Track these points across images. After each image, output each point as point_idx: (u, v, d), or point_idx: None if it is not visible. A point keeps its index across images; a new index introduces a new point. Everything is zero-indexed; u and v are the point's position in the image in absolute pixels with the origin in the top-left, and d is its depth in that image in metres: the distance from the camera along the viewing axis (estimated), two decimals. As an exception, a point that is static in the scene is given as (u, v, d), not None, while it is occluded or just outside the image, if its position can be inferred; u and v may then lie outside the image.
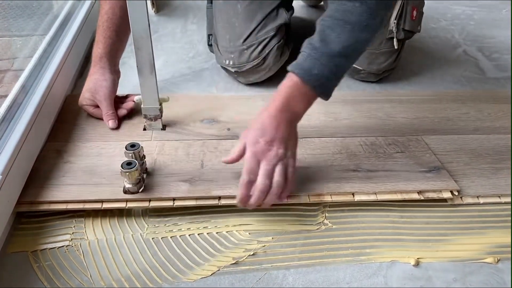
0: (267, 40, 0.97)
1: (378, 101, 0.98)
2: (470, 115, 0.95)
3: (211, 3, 1.05)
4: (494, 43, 1.30)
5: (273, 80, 1.04)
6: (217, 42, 1.02)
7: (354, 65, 0.98)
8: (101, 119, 0.85)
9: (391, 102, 0.97)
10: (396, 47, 0.99)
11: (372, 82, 1.07)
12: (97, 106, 0.86)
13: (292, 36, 1.07)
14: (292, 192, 0.70)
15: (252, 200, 0.64)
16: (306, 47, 0.67)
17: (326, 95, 0.68)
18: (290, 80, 0.67)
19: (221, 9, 1.01)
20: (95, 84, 0.84)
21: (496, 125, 0.93)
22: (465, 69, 1.16)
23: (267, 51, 0.97)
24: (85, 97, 0.85)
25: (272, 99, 0.68)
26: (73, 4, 1.16)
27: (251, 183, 0.63)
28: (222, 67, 1.04)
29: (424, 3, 1.02)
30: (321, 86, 0.67)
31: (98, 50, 0.85)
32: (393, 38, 0.99)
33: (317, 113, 0.92)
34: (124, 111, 0.87)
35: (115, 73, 0.87)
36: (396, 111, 0.94)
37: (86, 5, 1.16)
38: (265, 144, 0.64)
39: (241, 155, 0.66)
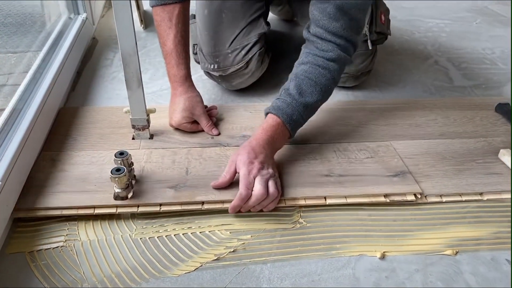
0: (250, 45, 1.04)
1: (351, 110, 1.05)
2: (437, 121, 1.03)
3: (195, 18, 1.12)
4: (463, 54, 1.39)
5: (254, 91, 1.12)
6: (202, 50, 1.09)
7: None
8: (171, 131, 0.95)
9: (363, 111, 1.04)
10: (370, 48, 1.07)
11: (347, 90, 1.14)
12: (194, 122, 0.94)
13: (270, 47, 1.14)
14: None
15: (250, 204, 0.74)
16: (286, 95, 0.84)
17: (290, 139, 0.86)
18: (275, 121, 0.82)
19: (206, 19, 1.07)
20: (191, 102, 0.92)
21: (460, 130, 1.00)
22: (435, 78, 1.24)
23: (250, 56, 1.04)
24: (183, 116, 0.92)
25: (260, 133, 0.81)
26: (65, 22, 1.22)
27: (247, 196, 0.73)
28: (206, 73, 1.11)
29: (389, 11, 1.12)
30: (295, 128, 0.84)
31: (182, 71, 0.92)
32: (367, 40, 1.07)
33: (295, 122, 0.99)
34: (214, 119, 0.98)
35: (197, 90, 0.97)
36: (368, 118, 1.01)
37: (78, 23, 1.22)
38: (258, 164, 0.76)
39: (233, 175, 0.77)
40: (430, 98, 1.13)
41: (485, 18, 1.67)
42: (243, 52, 1.04)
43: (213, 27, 1.06)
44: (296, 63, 0.88)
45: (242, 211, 0.76)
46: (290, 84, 0.85)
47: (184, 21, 0.92)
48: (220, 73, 1.06)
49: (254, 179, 0.74)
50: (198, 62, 1.13)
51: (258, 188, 0.73)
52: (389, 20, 1.11)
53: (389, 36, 1.11)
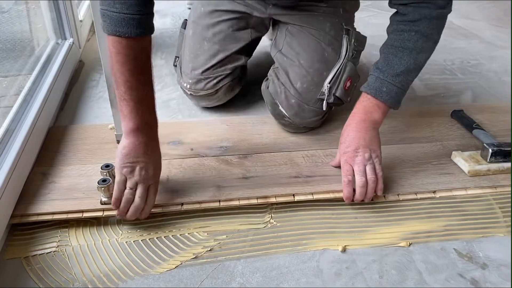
0: (222, 77, 1.12)
1: (320, 120, 1.14)
2: (397, 128, 1.13)
3: (185, 28, 1.20)
4: (426, 66, 1.47)
5: (231, 106, 1.21)
6: (181, 66, 1.17)
7: (281, 109, 1.04)
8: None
9: (331, 121, 1.13)
10: (324, 108, 1.04)
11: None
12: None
13: (247, 73, 1.23)
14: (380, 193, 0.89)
15: (357, 195, 0.85)
16: (374, 70, 0.89)
17: (396, 105, 0.89)
18: (365, 97, 0.90)
19: (190, 40, 1.16)
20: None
21: (419, 136, 1.10)
22: (398, 89, 1.34)
23: (220, 86, 1.12)
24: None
25: (352, 115, 0.91)
26: (53, 47, 1.31)
27: (350, 182, 0.85)
28: (180, 86, 1.19)
29: (359, 78, 1.08)
30: (391, 99, 0.88)
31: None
32: (323, 100, 1.03)
33: (267, 133, 1.08)
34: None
35: None
36: (333, 128, 1.11)
37: (65, 47, 1.31)
38: (352, 152, 0.87)
39: (338, 162, 0.91)
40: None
41: (448, 32, 1.79)
42: (215, 81, 1.12)
43: (194, 51, 1.14)
44: (387, 32, 0.91)
45: (356, 199, 0.86)
46: (380, 58, 0.90)
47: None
48: (191, 92, 1.15)
49: (352, 167, 0.86)
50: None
51: (357, 178, 0.85)
52: (354, 87, 1.06)
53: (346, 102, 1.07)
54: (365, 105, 0.90)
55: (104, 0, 0.74)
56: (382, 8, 2.02)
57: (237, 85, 1.18)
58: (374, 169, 0.86)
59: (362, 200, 0.86)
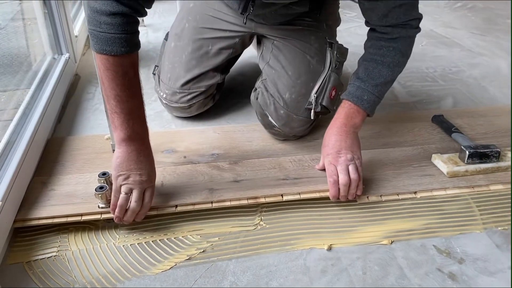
0: (196, 93, 1.17)
1: (307, 127, 1.20)
2: (381, 133, 1.18)
3: (167, 39, 1.25)
4: (409, 73, 1.56)
5: (222, 115, 1.26)
6: (160, 75, 1.23)
7: (270, 120, 1.10)
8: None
9: (317, 128, 1.19)
10: (312, 118, 1.09)
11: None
12: None
13: (222, 89, 1.29)
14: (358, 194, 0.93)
15: (342, 193, 0.91)
16: (355, 80, 0.97)
17: (372, 112, 0.98)
18: (346, 104, 0.97)
19: (171, 52, 1.21)
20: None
21: (401, 140, 1.15)
22: (383, 96, 1.40)
23: (193, 102, 1.18)
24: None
25: (334, 120, 0.98)
26: (50, 62, 1.35)
27: (336, 182, 0.90)
28: (157, 95, 1.24)
29: (343, 87, 1.10)
30: (370, 107, 0.96)
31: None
32: (311, 109, 1.08)
33: (257, 140, 1.14)
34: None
35: None
36: (319, 134, 1.16)
37: (61, 62, 1.36)
38: (335, 153, 0.93)
39: (323, 165, 0.97)
40: (376, 114, 1.28)
41: (430, 41, 1.87)
42: (189, 97, 1.17)
43: (173, 63, 1.19)
44: (364, 47, 0.99)
45: (342, 197, 0.92)
46: (359, 69, 0.98)
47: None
48: (166, 102, 1.20)
49: (336, 168, 0.92)
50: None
51: (340, 176, 0.90)
52: (339, 96, 1.10)
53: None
54: (346, 112, 0.97)
55: (91, 20, 0.78)
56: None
57: (210, 102, 1.24)
58: (356, 169, 0.92)
59: (347, 198, 0.92)
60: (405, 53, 0.97)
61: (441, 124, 1.20)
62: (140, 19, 0.83)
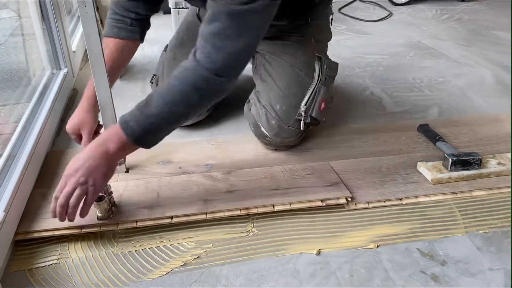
0: None
1: (297, 137, 1.24)
2: (368, 142, 1.23)
3: (166, 51, 1.31)
4: (396, 84, 1.62)
5: (216, 127, 1.30)
6: (158, 84, 1.28)
7: (263, 130, 1.13)
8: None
9: (307, 137, 1.24)
10: (302, 128, 1.13)
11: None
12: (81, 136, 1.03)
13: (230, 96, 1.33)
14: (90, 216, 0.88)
15: (57, 214, 0.82)
16: (137, 104, 0.84)
17: (142, 144, 0.85)
18: (114, 125, 0.86)
19: (170, 63, 1.25)
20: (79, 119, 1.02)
21: (388, 149, 1.20)
22: (371, 107, 1.45)
23: None
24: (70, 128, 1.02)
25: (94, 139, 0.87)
26: (48, 77, 1.40)
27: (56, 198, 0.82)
28: None
29: (333, 99, 1.19)
30: (132, 134, 0.83)
31: (89, 91, 1.03)
32: (301, 120, 1.12)
33: (249, 150, 1.18)
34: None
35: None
36: (311, 144, 1.21)
37: (60, 77, 1.40)
38: (72, 171, 0.82)
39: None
40: (364, 124, 1.34)
41: (417, 52, 1.93)
42: None
43: (169, 75, 1.24)
44: None
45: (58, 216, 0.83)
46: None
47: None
48: None
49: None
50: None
51: (60, 197, 0.81)
52: (329, 108, 1.16)
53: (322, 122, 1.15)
54: (107, 133, 0.87)
55: None
56: (357, 31, 2.16)
57: (204, 112, 1.29)
58: (82, 195, 0.82)
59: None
60: (190, 95, 0.83)
61: (426, 133, 1.26)
62: None
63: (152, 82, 1.32)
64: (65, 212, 0.82)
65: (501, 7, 2.58)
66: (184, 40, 1.25)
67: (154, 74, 1.34)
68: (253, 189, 1.02)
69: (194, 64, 0.82)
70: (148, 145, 0.87)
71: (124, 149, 0.85)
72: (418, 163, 1.11)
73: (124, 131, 0.83)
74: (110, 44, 1.08)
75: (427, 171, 1.08)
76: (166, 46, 1.32)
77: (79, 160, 0.83)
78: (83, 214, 0.84)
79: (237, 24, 0.81)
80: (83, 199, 0.83)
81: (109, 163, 0.84)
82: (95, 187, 0.82)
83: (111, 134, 0.85)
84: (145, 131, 0.84)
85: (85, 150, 0.84)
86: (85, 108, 1.04)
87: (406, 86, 1.61)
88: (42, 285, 0.80)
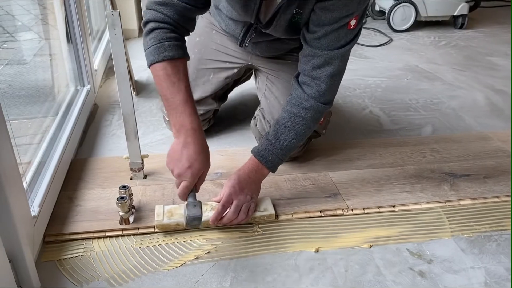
0: None
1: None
2: (366, 156, 1.33)
3: None
4: (393, 104, 1.73)
5: (225, 139, 1.42)
6: None
7: None
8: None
9: (309, 151, 1.34)
10: (303, 142, 1.19)
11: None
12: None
13: (217, 115, 1.46)
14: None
15: (224, 221, 0.99)
16: (265, 140, 1.06)
17: (273, 170, 1.08)
18: (254, 160, 1.06)
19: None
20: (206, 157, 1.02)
21: (383, 162, 1.31)
22: (368, 124, 1.56)
23: None
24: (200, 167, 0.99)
25: (242, 166, 1.06)
26: (73, 93, 1.53)
27: (224, 211, 0.99)
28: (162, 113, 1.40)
29: (331, 114, 1.32)
30: (273, 167, 1.07)
31: (197, 121, 0.98)
32: None
33: (255, 161, 1.29)
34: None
35: None
36: (312, 156, 1.31)
37: (83, 93, 1.53)
38: (239, 190, 1.01)
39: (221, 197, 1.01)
40: (362, 140, 1.45)
41: (415, 75, 2.05)
42: None
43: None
44: (281, 109, 1.09)
45: (220, 224, 1.00)
46: (270, 129, 1.07)
47: (187, 74, 1.00)
48: (168, 126, 1.36)
49: (232, 201, 1.00)
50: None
51: (231, 211, 0.99)
52: (328, 122, 1.30)
53: (322, 134, 1.30)
54: (251, 165, 1.06)
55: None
56: (358, 56, 2.29)
57: (206, 124, 1.41)
58: (247, 209, 1.02)
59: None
60: (311, 126, 1.07)
61: (419, 148, 1.35)
62: None
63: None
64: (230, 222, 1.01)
65: (495, 35, 2.71)
66: (191, 58, 1.36)
67: None
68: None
69: (312, 103, 1.03)
70: (276, 170, 1.08)
71: (264, 175, 1.08)
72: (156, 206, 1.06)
73: (265, 165, 1.05)
74: (180, 66, 0.99)
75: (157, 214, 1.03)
76: None
77: (240, 181, 1.03)
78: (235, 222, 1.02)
79: (345, 63, 1.04)
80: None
81: (258, 184, 1.08)
82: (255, 204, 1.05)
83: (253, 167, 1.06)
84: (280, 160, 1.07)
85: (241, 174, 1.04)
86: (199, 150, 0.99)
87: (403, 106, 1.72)
88: (70, 273, 0.91)
